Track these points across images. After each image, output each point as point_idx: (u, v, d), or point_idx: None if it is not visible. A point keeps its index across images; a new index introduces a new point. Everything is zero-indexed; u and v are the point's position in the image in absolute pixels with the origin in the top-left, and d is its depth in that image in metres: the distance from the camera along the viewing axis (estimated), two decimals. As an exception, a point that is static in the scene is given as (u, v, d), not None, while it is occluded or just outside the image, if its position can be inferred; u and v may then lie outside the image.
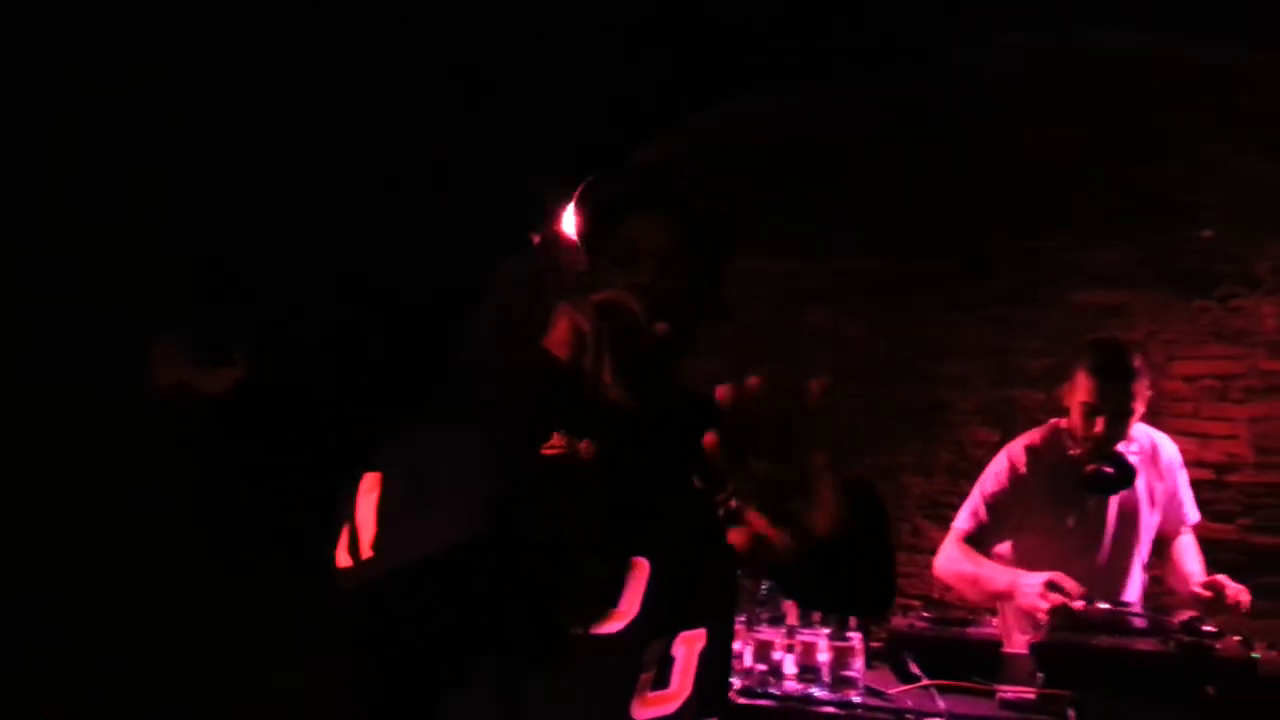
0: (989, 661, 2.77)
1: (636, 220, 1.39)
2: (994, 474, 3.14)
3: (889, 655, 2.89)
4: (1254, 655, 2.50)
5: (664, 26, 3.66)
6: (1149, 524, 3.09)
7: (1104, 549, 3.03)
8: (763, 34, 3.90)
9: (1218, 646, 2.50)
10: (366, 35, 3.28)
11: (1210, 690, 2.43)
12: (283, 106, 3.24)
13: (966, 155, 4.45)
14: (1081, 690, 2.50)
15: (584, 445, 1.29)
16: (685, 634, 1.32)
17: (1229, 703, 2.41)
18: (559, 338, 1.24)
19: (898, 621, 2.98)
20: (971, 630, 2.90)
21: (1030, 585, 2.85)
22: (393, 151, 3.69)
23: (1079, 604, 2.72)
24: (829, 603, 1.53)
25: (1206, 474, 4.10)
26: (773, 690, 2.66)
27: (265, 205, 3.36)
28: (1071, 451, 3.00)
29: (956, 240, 4.50)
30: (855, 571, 1.16)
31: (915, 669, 2.75)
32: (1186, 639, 2.53)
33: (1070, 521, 3.03)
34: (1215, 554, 4.02)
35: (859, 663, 2.65)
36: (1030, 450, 3.11)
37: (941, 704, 2.56)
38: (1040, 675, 2.62)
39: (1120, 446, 2.96)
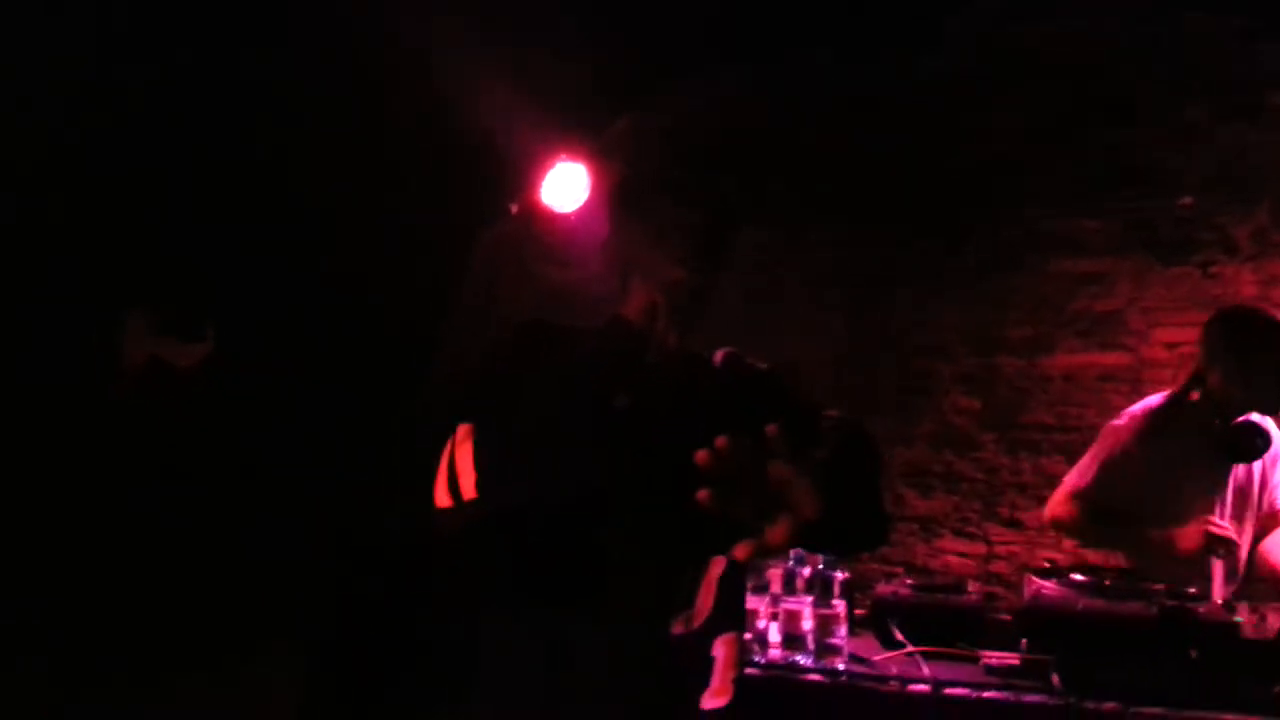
0: (973, 627, 2.77)
1: (676, 200, 1.53)
2: (1112, 434, 3.11)
3: (873, 622, 2.88)
4: (1236, 619, 2.50)
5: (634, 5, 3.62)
6: (1255, 504, 3.05)
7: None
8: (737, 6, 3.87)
9: (1200, 610, 2.51)
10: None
11: (1193, 653, 2.43)
12: (255, 69, 3.18)
13: (946, 122, 4.42)
14: (1065, 654, 2.51)
15: (626, 397, 1.46)
16: (710, 560, 1.48)
17: (1212, 665, 2.42)
18: (635, 309, 1.49)
19: (882, 589, 2.98)
20: (955, 597, 2.90)
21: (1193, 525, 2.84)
22: (367, 121, 3.63)
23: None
24: (822, 540, 1.55)
25: (1185, 440, 4.11)
26: (757, 659, 2.65)
27: (236, 172, 3.30)
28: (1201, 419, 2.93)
29: (935, 209, 4.47)
30: (844, 509, 1.26)
31: (900, 636, 2.75)
32: (1169, 603, 2.54)
33: (1186, 493, 2.97)
34: (1195, 520, 4.06)
35: (843, 630, 2.65)
36: (1152, 415, 3.05)
37: (926, 670, 2.55)
38: (1024, 640, 2.62)
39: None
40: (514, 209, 4.27)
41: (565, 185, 4.12)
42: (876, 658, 2.65)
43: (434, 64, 3.40)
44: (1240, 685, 2.37)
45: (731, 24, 4.01)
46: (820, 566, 2.69)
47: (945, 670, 2.57)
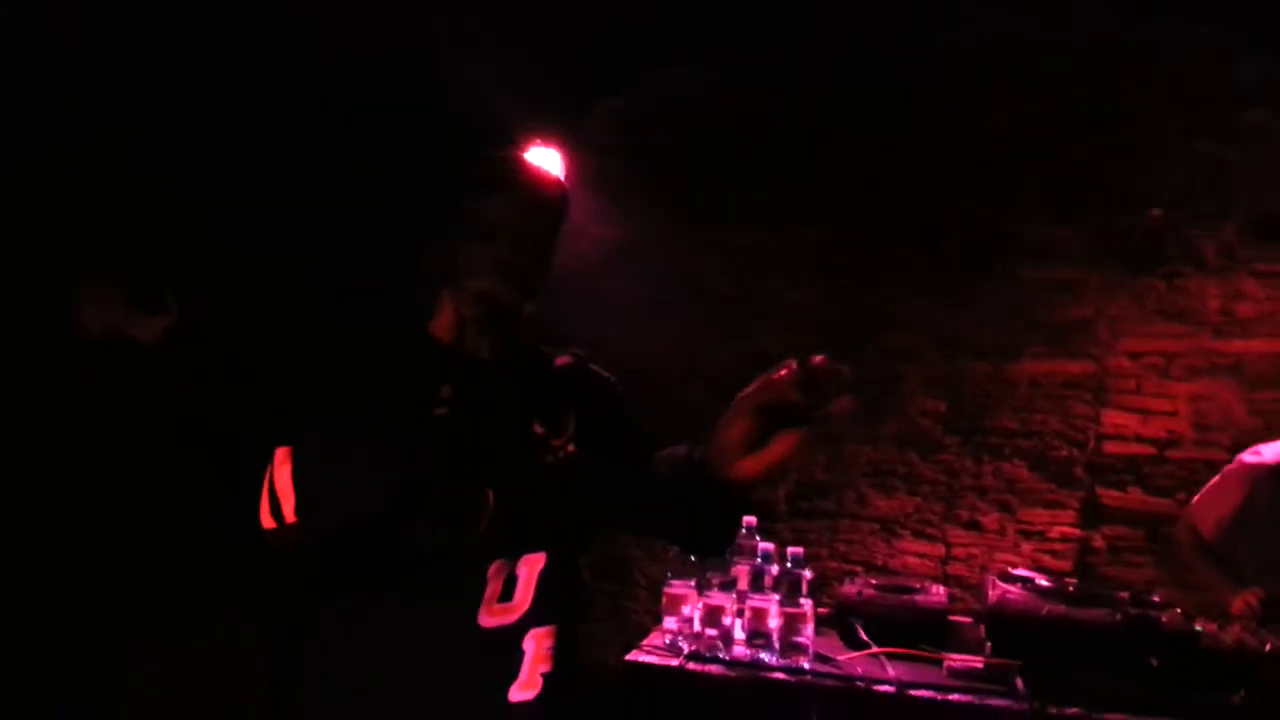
0: (937, 629, 2.77)
1: (494, 200, 1.53)
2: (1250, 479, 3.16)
3: (837, 622, 2.88)
4: (1197, 628, 2.53)
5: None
6: None
7: None
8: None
9: (1163, 619, 2.53)
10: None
11: (1155, 662, 2.45)
12: (232, 49, 3.11)
13: (921, 128, 4.43)
14: (1029, 659, 2.52)
15: (445, 394, 1.51)
16: (527, 556, 1.51)
17: (1172, 673, 2.44)
18: (445, 324, 1.57)
19: (846, 588, 2.97)
20: (919, 598, 2.90)
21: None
22: (338, 102, 3.57)
23: None
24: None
25: (1147, 449, 4.15)
26: (722, 655, 2.64)
27: (206, 143, 3.24)
28: None
29: (910, 212, 4.48)
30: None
31: (864, 636, 2.75)
32: (1133, 611, 2.55)
33: None
34: (1154, 527, 4.11)
35: (809, 629, 2.64)
36: None
37: (891, 671, 2.55)
38: (988, 644, 2.63)
39: None
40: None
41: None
42: (841, 657, 2.64)
43: (406, 46, 3.35)
44: (1200, 695, 2.40)
45: (713, 16, 3.99)
46: (789, 564, 2.68)
47: (909, 671, 2.57)
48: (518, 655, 1.50)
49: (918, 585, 3.06)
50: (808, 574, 2.70)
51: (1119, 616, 2.53)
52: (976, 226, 4.40)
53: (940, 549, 4.42)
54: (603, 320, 3.90)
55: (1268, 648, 2.45)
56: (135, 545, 2.64)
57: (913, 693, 2.45)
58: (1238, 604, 2.94)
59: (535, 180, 1.58)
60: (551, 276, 1.60)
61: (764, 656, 2.62)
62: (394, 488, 1.38)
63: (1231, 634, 2.58)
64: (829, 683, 2.51)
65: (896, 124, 4.43)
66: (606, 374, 1.74)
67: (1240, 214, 4.05)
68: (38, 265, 2.59)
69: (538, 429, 1.56)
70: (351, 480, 1.38)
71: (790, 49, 4.43)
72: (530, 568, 1.52)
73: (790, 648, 2.62)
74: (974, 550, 4.38)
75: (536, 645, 1.51)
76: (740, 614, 2.76)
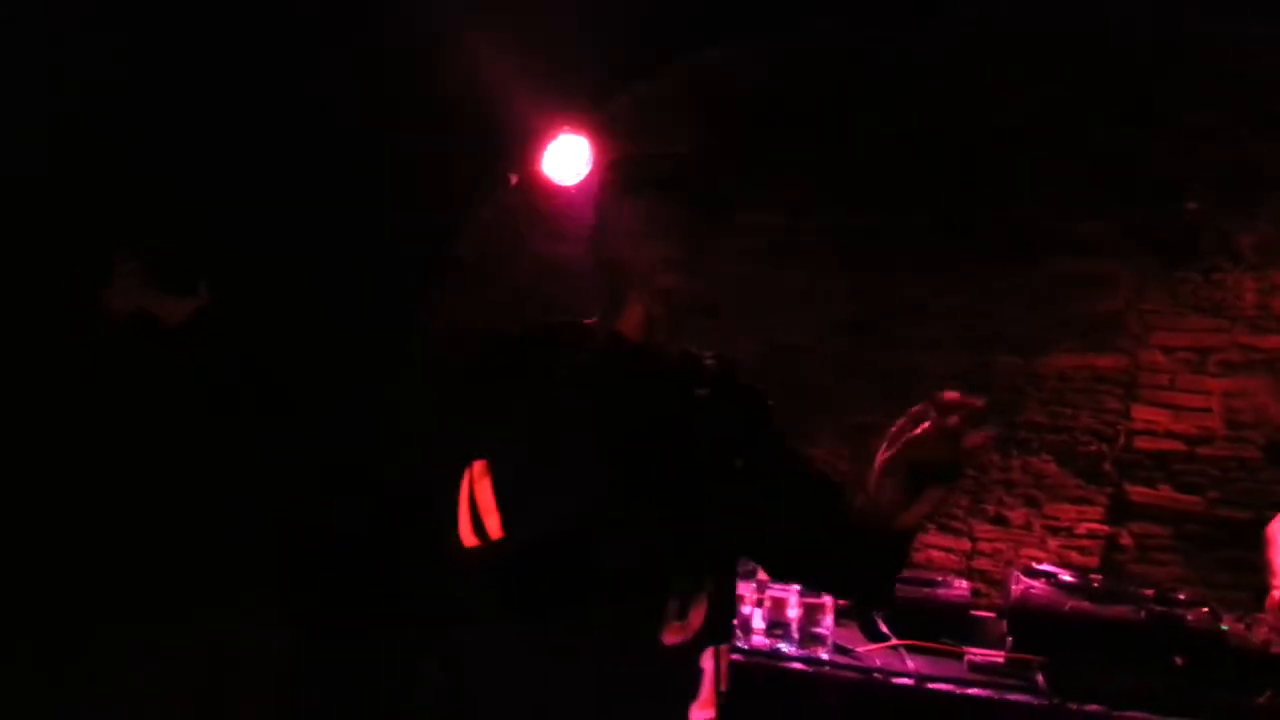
0: (958, 623, 2.76)
1: (657, 200, 1.53)
2: None
3: (858, 614, 2.87)
4: (1223, 627, 2.49)
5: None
6: None
7: None
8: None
9: (1188, 617, 2.49)
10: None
11: (1179, 660, 2.42)
12: (252, 39, 3.12)
13: (950, 117, 4.38)
14: (1051, 655, 2.49)
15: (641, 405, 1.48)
16: (703, 574, 1.51)
17: (1196, 671, 2.41)
18: (632, 323, 1.51)
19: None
20: (941, 591, 2.88)
21: (1277, 586, 2.84)
22: (368, 87, 3.58)
23: None
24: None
25: (1177, 446, 4.09)
26: (740, 644, 2.63)
27: (234, 133, 3.25)
28: None
29: (938, 203, 4.43)
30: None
31: (884, 628, 2.73)
32: (1157, 608, 2.52)
33: None
34: (1183, 525, 4.05)
35: (828, 620, 2.63)
36: None
37: (910, 664, 2.54)
38: (1010, 639, 2.60)
39: None
40: (513, 180, 4.21)
41: (566, 158, 4.08)
42: (860, 649, 2.63)
43: (436, 31, 3.35)
44: (1224, 694, 2.36)
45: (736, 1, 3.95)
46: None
47: (929, 665, 2.55)
48: (697, 673, 1.50)
49: (940, 579, 3.04)
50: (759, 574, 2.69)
51: (1143, 614, 2.50)
52: (1007, 218, 4.35)
53: (965, 543, 4.38)
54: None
55: (1295, 648, 2.41)
56: (144, 533, 2.66)
57: (931, 686, 2.44)
58: (1269, 602, 2.89)
59: (692, 181, 1.57)
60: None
61: (782, 647, 2.61)
62: (601, 500, 1.37)
63: (1259, 634, 2.54)
64: (847, 674, 2.50)
65: (926, 112, 4.38)
66: (748, 382, 1.71)
67: (1276, 206, 3.97)
68: (68, 248, 2.62)
69: (715, 442, 1.54)
70: (555, 493, 1.36)
71: (817, 35, 4.39)
72: (703, 590, 1.51)
73: (809, 638, 2.61)
74: (1000, 545, 4.34)
75: (714, 663, 1.51)
76: (760, 603, 2.75)
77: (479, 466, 1.36)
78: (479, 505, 1.34)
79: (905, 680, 2.45)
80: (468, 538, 1.35)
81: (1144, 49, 4.12)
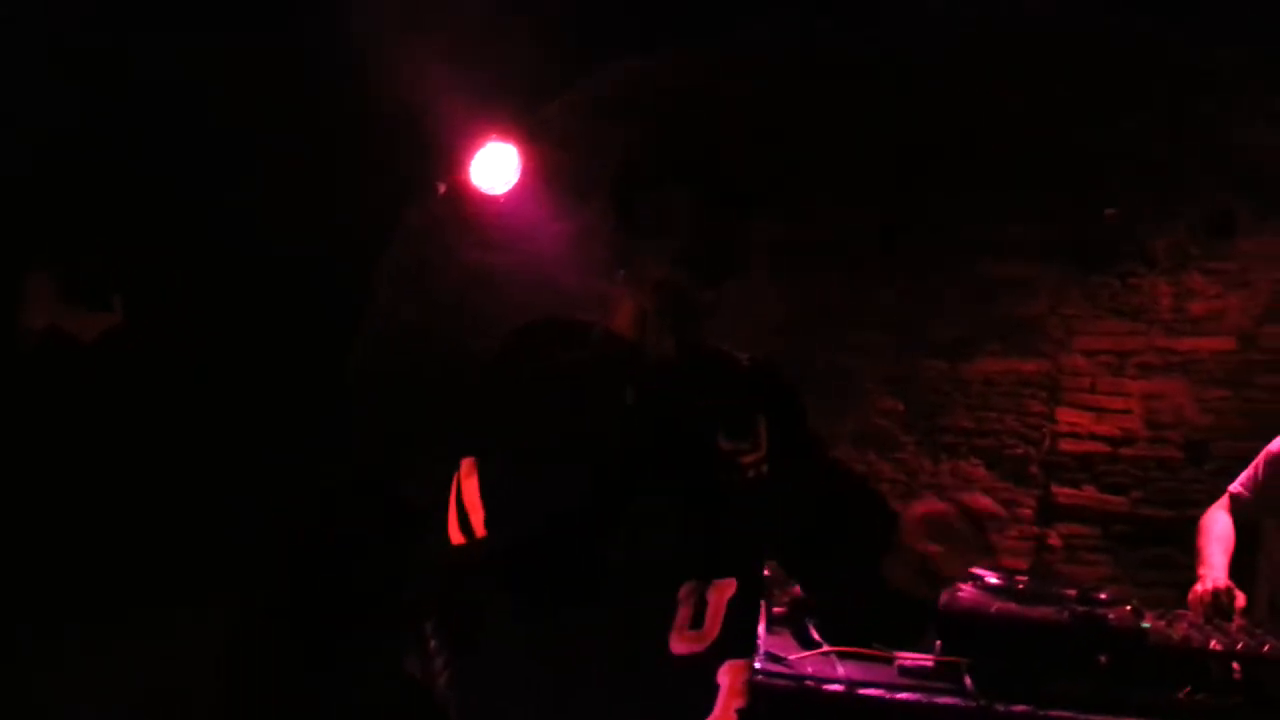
0: (889, 628, 2.77)
1: (664, 191, 1.48)
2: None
3: (790, 620, 2.87)
4: (1144, 625, 2.53)
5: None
6: None
7: None
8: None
9: (1110, 615, 2.53)
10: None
11: (1103, 658, 2.46)
12: (178, 40, 3.06)
13: (877, 125, 4.43)
14: (978, 657, 2.51)
15: (631, 398, 1.39)
16: (718, 581, 1.42)
17: (1120, 669, 2.45)
18: (624, 320, 1.45)
19: (799, 588, 2.96)
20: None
21: (1202, 578, 2.83)
22: (291, 93, 3.51)
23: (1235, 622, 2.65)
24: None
25: (1101, 447, 4.19)
26: (672, 655, 2.62)
27: (151, 142, 3.17)
28: None
29: (867, 210, 4.48)
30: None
31: (816, 635, 2.74)
32: (1080, 608, 2.56)
33: None
34: (1109, 525, 4.14)
35: (760, 629, 2.62)
36: None
37: (841, 670, 2.54)
38: (938, 642, 2.63)
39: None
40: (441, 189, 4.17)
41: (495, 167, 4.05)
42: (792, 656, 2.63)
43: (358, 38, 3.31)
44: (1146, 691, 2.40)
45: (669, 6, 3.96)
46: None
47: (860, 670, 2.56)
48: (712, 688, 1.42)
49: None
50: (765, 572, 2.69)
51: (1066, 614, 2.53)
52: (935, 224, 4.42)
53: (899, 547, 4.43)
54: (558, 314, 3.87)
55: (1212, 643, 2.46)
56: (71, 539, 2.59)
57: (862, 692, 2.44)
58: (1191, 595, 2.95)
59: (710, 167, 1.53)
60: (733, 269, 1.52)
61: (714, 656, 2.60)
62: (586, 497, 1.33)
63: (1180, 630, 2.58)
64: (779, 682, 2.50)
65: (853, 121, 4.43)
66: (789, 383, 1.65)
67: (1191, 212, 4.09)
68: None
69: (728, 444, 1.47)
70: (543, 490, 1.32)
71: (746, 39, 4.41)
72: (720, 593, 1.42)
73: (741, 647, 2.60)
74: (932, 549, 4.39)
75: (732, 679, 1.44)
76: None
77: (467, 464, 1.34)
78: (465, 502, 1.33)
79: (836, 687, 2.45)
80: (455, 535, 1.34)
81: (1064, 55, 4.20)
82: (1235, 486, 3.07)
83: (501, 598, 1.45)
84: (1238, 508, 3.03)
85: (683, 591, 1.40)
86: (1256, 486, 3.02)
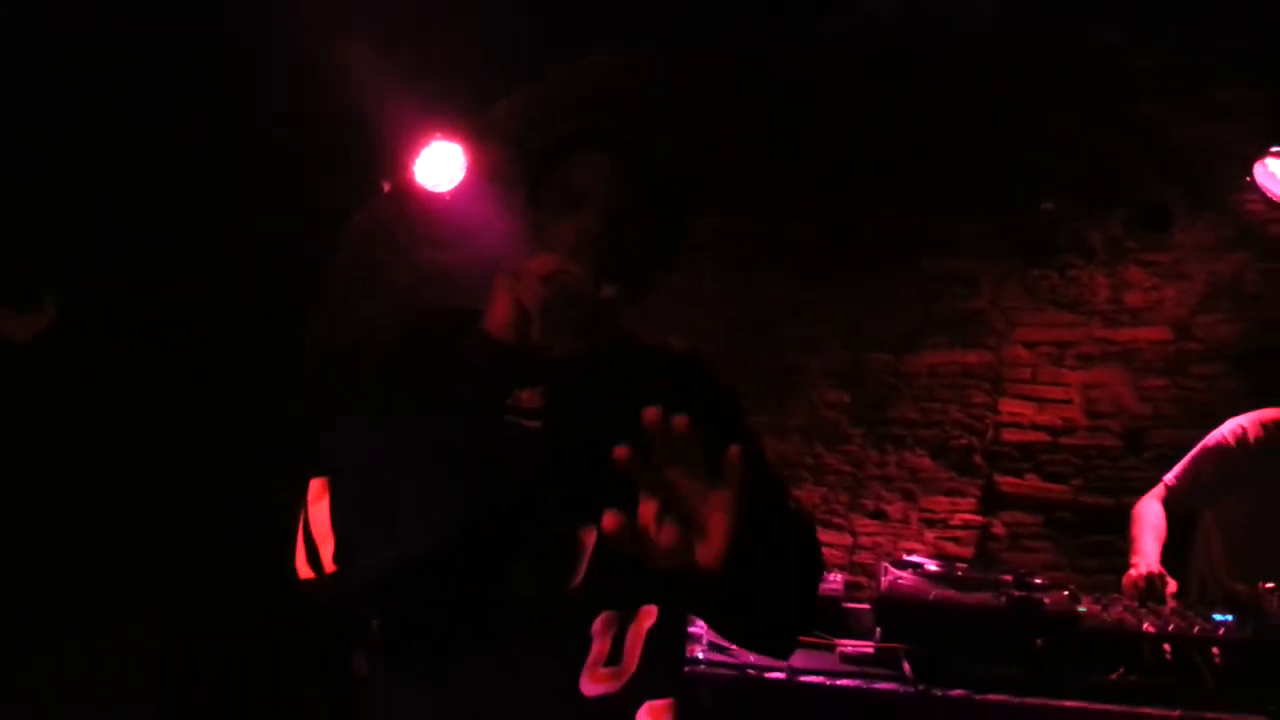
0: (830, 616, 2.81)
1: (579, 161, 1.30)
2: (1219, 438, 3.09)
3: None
4: (1080, 609, 2.58)
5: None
6: None
7: None
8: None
9: (1046, 601, 2.58)
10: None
11: (1039, 642, 2.51)
12: (118, 45, 3.02)
13: (824, 120, 4.48)
14: (916, 643, 2.55)
15: (528, 401, 1.22)
16: (635, 610, 1.25)
17: (1055, 653, 2.50)
18: (500, 318, 1.18)
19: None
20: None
21: (1136, 565, 2.87)
22: (231, 95, 3.48)
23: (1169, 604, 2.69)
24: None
25: (1042, 437, 4.26)
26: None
27: (91, 143, 3.13)
28: None
29: (813, 204, 4.53)
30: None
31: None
32: (1017, 593, 2.60)
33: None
34: (1050, 513, 4.21)
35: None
36: (1265, 425, 3.03)
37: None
38: (878, 629, 2.66)
39: None
40: (386, 188, 4.16)
41: (440, 165, 4.04)
42: (735, 645, 2.65)
43: (300, 37, 3.28)
44: (1081, 673, 2.46)
45: (609, 4, 3.97)
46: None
47: (802, 658, 2.59)
48: None
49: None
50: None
51: (1004, 599, 2.57)
52: (879, 219, 4.47)
53: (847, 538, 4.48)
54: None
55: (1144, 625, 2.52)
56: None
57: (803, 679, 2.47)
58: (1125, 580, 3.01)
59: (629, 139, 1.33)
60: (665, 258, 1.35)
61: (658, 648, 2.62)
62: (468, 523, 1.11)
63: (1114, 613, 2.64)
64: (721, 671, 2.52)
65: (799, 115, 4.47)
66: (723, 380, 1.43)
67: (1127, 206, 4.17)
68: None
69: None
70: (408, 516, 1.10)
71: (696, 42, 4.44)
72: (639, 624, 1.25)
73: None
74: (880, 539, 4.45)
75: None
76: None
77: (316, 485, 1.15)
78: (314, 531, 1.13)
79: (778, 675, 2.48)
80: (302, 569, 1.14)
81: (1001, 52, 4.27)
82: (1169, 478, 3.15)
83: (379, 640, 1.26)
84: (1171, 498, 3.11)
85: (597, 625, 1.22)
86: (1191, 479, 3.10)
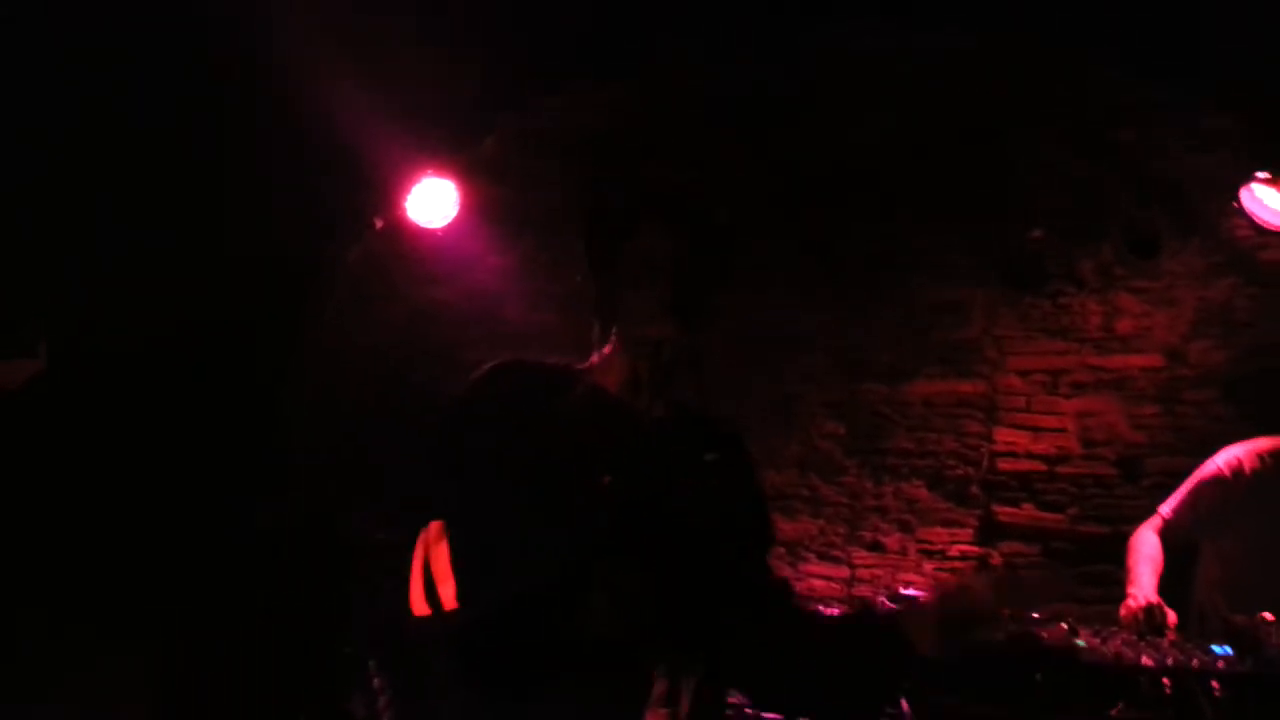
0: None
1: (650, 233, 1.39)
2: (1215, 470, 3.08)
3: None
4: (1079, 643, 2.57)
5: (496, 20, 3.59)
6: None
7: None
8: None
9: (1044, 635, 2.57)
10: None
11: (1037, 677, 2.49)
12: (108, 70, 3.03)
13: (813, 147, 4.48)
14: (913, 678, 2.53)
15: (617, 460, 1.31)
16: (692, 657, 1.37)
17: (1054, 688, 2.48)
18: (616, 379, 1.36)
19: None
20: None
21: (1133, 595, 2.85)
22: (230, 133, 3.50)
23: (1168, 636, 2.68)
24: None
25: (1038, 466, 4.24)
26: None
27: (82, 188, 3.14)
28: None
29: (805, 233, 4.53)
30: None
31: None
32: (1013, 627, 2.59)
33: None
34: (1048, 543, 4.19)
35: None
36: (1261, 456, 3.04)
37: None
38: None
39: None
40: (378, 224, 4.16)
41: (433, 201, 4.05)
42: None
43: (295, 74, 3.30)
44: (1081, 708, 2.44)
45: (593, 38, 4.00)
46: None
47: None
48: None
49: (819, 608, 3.07)
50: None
51: (1001, 634, 2.56)
52: (873, 248, 4.47)
53: (845, 571, 4.46)
54: (503, 349, 3.87)
55: (1143, 659, 2.50)
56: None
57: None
58: (1123, 610, 2.99)
59: (692, 209, 1.44)
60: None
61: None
62: (563, 566, 1.22)
63: (1113, 646, 2.62)
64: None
65: (785, 150, 4.48)
66: (753, 460, 1.55)
67: (1116, 233, 4.17)
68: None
69: (706, 525, 1.38)
70: (519, 558, 1.21)
71: (682, 69, 4.45)
72: (695, 671, 1.38)
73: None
74: (878, 571, 4.42)
75: None
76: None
77: (435, 528, 1.25)
78: (434, 572, 1.23)
79: (774, 716, 2.46)
80: (419, 606, 1.24)
81: (992, 79, 4.29)
82: (1166, 510, 3.13)
83: (463, 676, 1.33)
84: (1167, 530, 3.10)
85: (660, 668, 1.34)
86: (1188, 512, 3.09)
